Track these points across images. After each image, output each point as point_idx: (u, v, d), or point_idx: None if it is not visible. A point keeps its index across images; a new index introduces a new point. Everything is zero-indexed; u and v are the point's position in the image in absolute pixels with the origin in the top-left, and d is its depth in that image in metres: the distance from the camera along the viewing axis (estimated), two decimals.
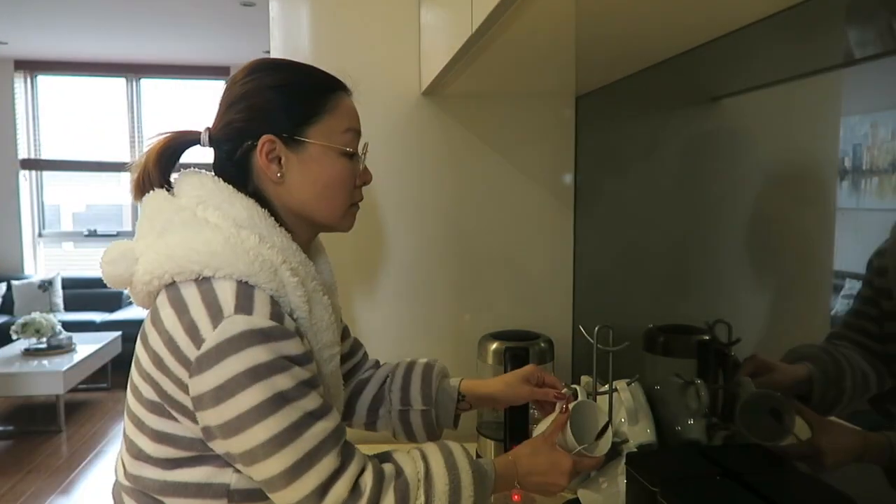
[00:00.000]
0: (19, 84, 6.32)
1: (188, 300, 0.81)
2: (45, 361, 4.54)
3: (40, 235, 6.54)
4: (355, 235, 1.59)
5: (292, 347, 0.82)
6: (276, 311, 0.83)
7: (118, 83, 6.46)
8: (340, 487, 0.81)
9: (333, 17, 1.56)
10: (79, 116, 6.52)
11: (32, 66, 6.33)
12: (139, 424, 0.86)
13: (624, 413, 1.19)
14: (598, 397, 1.19)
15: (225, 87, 0.95)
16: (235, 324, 0.79)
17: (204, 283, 0.82)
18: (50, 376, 4.34)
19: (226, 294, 0.81)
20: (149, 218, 0.90)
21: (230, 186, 0.91)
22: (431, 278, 1.62)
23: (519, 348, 1.42)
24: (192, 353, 0.79)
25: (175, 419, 0.83)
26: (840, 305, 0.84)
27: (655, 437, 1.18)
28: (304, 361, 0.83)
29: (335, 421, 0.84)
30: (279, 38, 1.55)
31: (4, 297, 5.91)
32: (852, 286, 0.83)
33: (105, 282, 0.90)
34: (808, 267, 0.93)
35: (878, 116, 0.78)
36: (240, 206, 0.89)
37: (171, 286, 0.84)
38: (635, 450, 1.15)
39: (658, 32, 1.02)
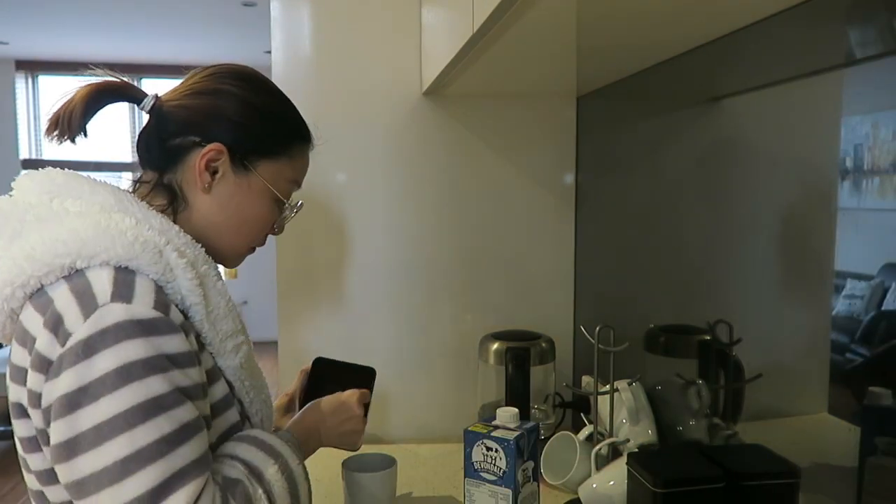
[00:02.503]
0: (20, 84, 6.33)
1: (55, 296, 0.70)
2: None
3: None
4: (356, 236, 1.59)
5: (176, 345, 0.71)
6: (162, 299, 0.73)
7: None
8: None
9: (335, 18, 1.56)
10: None
11: (34, 67, 6.33)
12: (33, 472, 0.77)
13: (625, 413, 1.19)
14: (599, 397, 1.19)
15: (205, 69, 0.89)
16: (112, 313, 0.68)
17: (76, 276, 0.71)
18: None
19: (101, 282, 0.70)
20: None
21: (89, 177, 0.82)
22: (432, 278, 1.62)
23: (520, 348, 1.42)
24: (54, 351, 0.68)
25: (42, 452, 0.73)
26: (841, 305, 0.84)
27: (657, 437, 1.18)
28: (185, 363, 0.72)
29: (205, 443, 0.73)
30: (280, 39, 1.55)
31: None
32: (853, 286, 0.83)
33: None
34: (810, 267, 0.93)
35: (879, 116, 0.78)
36: (104, 192, 0.80)
37: (39, 293, 0.72)
38: (636, 450, 1.15)
39: (659, 32, 1.02)
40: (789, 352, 0.97)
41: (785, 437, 0.93)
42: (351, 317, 1.61)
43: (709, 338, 1.10)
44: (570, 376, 1.62)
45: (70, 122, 0.83)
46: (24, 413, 0.74)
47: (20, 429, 0.75)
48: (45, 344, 0.68)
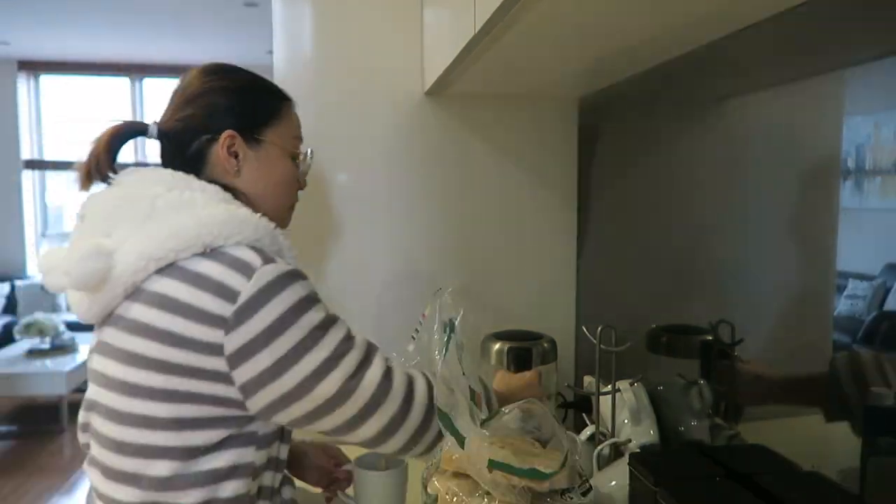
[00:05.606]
0: (22, 84, 6.34)
1: (204, 270, 0.84)
2: (48, 362, 4.55)
3: (43, 236, 6.55)
4: (356, 235, 1.60)
5: (313, 287, 0.90)
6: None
7: (121, 83, 6.47)
8: (399, 372, 0.97)
9: (336, 18, 1.56)
10: (82, 117, 6.53)
11: (35, 67, 6.35)
12: (150, 423, 0.83)
13: (627, 413, 1.19)
14: (601, 397, 1.19)
15: (179, 85, 1.00)
16: (267, 272, 0.84)
17: (216, 253, 0.85)
18: (53, 377, 4.36)
19: (245, 254, 0.86)
20: (101, 218, 0.90)
21: (187, 174, 0.94)
22: (433, 278, 1.62)
23: (522, 349, 1.42)
24: (226, 309, 0.82)
25: (195, 402, 0.83)
26: (843, 306, 0.84)
27: (658, 437, 1.18)
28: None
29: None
30: (282, 39, 1.55)
31: (8, 297, 5.92)
32: (855, 286, 0.83)
33: (69, 285, 0.85)
34: (812, 267, 0.93)
35: (881, 116, 0.78)
36: (209, 187, 0.93)
37: (169, 268, 0.84)
38: (638, 450, 1.15)
39: (661, 33, 1.02)
40: (791, 352, 0.97)
41: (786, 438, 0.93)
42: (351, 316, 1.59)
43: (711, 338, 1.10)
44: (571, 376, 1.62)
45: (100, 168, 0.95)
46: (158, 368, 0.82)
47: (143, 391, 0.83)
48: (215, 307, 0.82)
